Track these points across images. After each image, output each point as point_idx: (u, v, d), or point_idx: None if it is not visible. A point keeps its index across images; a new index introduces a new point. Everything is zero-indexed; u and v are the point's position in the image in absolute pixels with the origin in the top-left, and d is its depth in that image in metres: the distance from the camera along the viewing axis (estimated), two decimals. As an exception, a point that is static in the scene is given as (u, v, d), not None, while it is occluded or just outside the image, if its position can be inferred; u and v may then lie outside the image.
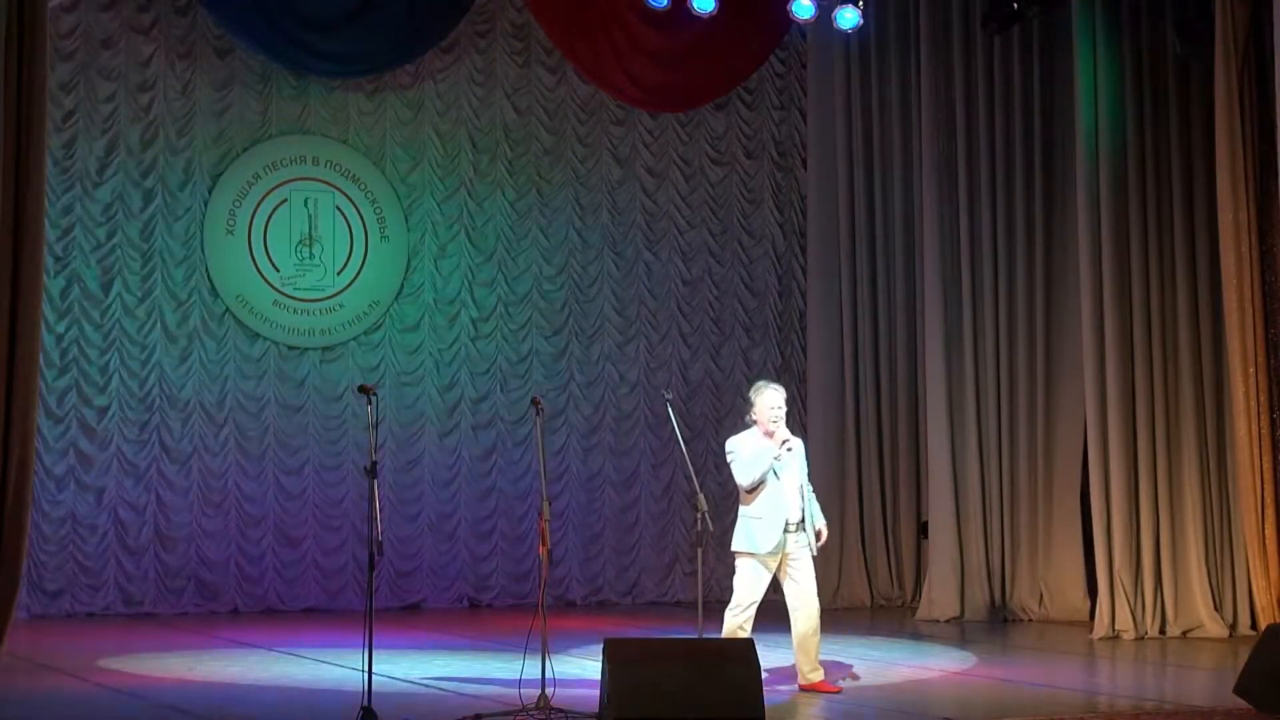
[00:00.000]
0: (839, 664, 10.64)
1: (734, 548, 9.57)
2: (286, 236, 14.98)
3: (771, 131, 16.52)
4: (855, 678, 10.15)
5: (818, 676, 9.55)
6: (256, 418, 14.70)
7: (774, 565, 9.48)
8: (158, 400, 14.41)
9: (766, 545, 9.42)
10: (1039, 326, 14.30)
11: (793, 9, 13.81)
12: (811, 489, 9.76)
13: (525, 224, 15.65)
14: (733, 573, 9.63)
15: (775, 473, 9.46)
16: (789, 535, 9.47)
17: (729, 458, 9.62)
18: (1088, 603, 13.51)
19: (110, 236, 14.34)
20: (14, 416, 9.82)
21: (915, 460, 15.35)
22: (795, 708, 9.09)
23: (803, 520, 9.52)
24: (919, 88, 14.88)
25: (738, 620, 9.41)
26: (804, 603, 9.53)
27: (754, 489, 9.48)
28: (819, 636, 9.59)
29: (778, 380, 15.91)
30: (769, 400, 9.58)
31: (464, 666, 10.72)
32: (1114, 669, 11.18)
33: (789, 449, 9.50)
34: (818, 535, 9.62)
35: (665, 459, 15.80)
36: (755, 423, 9.60)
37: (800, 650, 9.55)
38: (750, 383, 10.47)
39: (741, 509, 9.55)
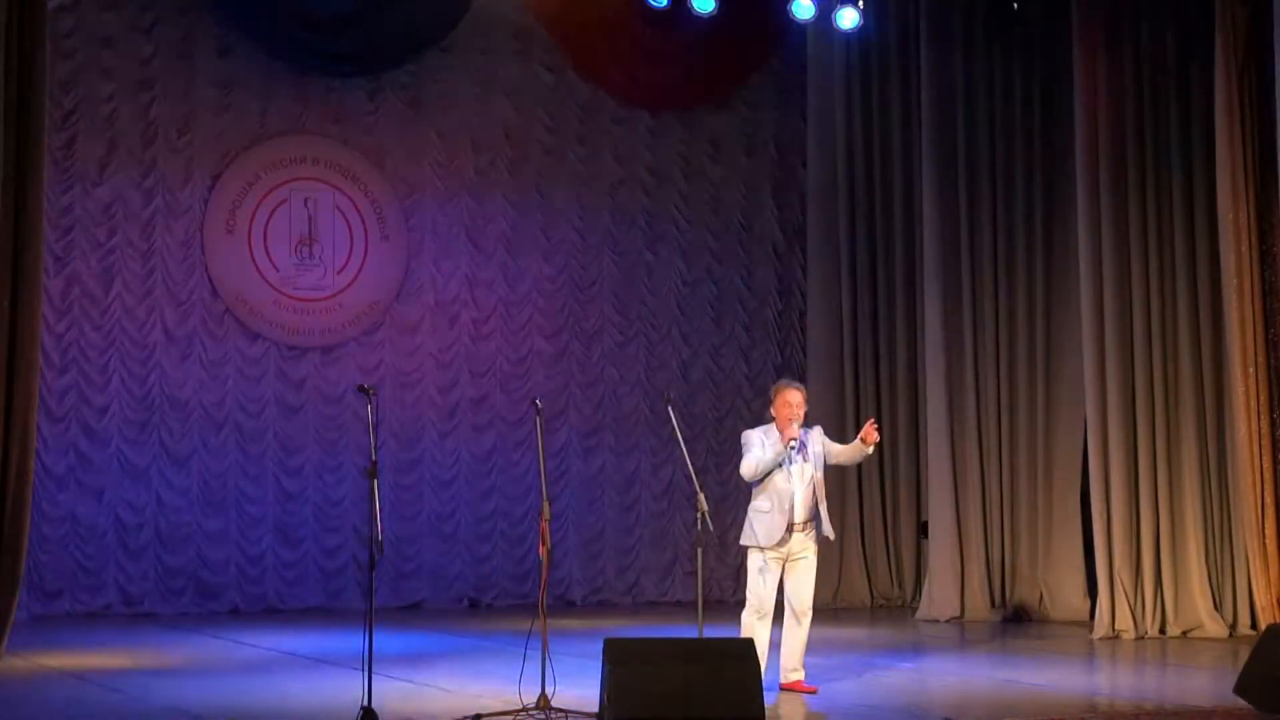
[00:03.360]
0: (834, 666, 10.66)
1: (741, 542, 9.62)
2: (286, 236, 14.99)
3: (771, 131, 16.52)
4: (857, 677, 10.17)
5: (798, 676, 9.55)
6: (256, 418, 14.70)
7: (780, 561, 9.47)
8: (158, 400, 14.41)
9: (770, 539, 9.41)
10: (1039, 327, 14.31)
11: (793, 9, 13.82)
12: (838, 447, 9.75)
13: (525, 224, 15.65)
14: (733, 572, 9.63)
15: (786, 468, 9.45)
16: (795, 534, 9.47)
17: (743, 449, 9.66)
18: (1088, 603, 13.52)
19: (110, 236, 14.34)
20: (14, 416, 9.83)
21: (915, 460, 15.36)
22: (795, 708, 9.09)
23: (809, 521, 9.51)
24: (919, 88, 14.88)
25: (757, 623, 9.40)
26: (799, 602, 9.54)
27: (758, 482, 9.49)
28: (806, 638, 9.59)
29: (777, 379, 16.10)
30: (785, 398, 9.58)
31: (464, 666, 10.72)
32: (1114, 669, 11.17)
33: (793, 446, 9.48)
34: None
35: (665, 459, 15.80)
36: (773, 418, 9.64)
37: (786, 648, 9.54)
38: (752, 382, 10.60)
39: (750, 504, 9.58)
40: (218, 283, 14.67)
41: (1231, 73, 12.15)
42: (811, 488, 9.53)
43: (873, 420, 9.76)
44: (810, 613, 9.60)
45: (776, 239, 16.50)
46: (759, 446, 9.51)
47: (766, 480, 9.47)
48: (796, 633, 9.55)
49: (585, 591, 15.58)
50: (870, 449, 9.70)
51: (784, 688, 9.45)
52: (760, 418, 9.76)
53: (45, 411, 13.62)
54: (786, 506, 9.44)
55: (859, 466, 15.45)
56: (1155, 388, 12.86)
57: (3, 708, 8.94)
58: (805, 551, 9.52)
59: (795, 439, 9.46)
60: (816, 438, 9.66)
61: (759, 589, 9.45)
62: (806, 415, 9.64)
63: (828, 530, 9.63)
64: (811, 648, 11.01)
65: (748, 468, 9.53)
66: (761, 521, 9.45)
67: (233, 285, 14.73)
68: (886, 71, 15.61)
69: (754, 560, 9.51)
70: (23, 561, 10.06)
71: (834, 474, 15.24)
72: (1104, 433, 12.84)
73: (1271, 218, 12.28)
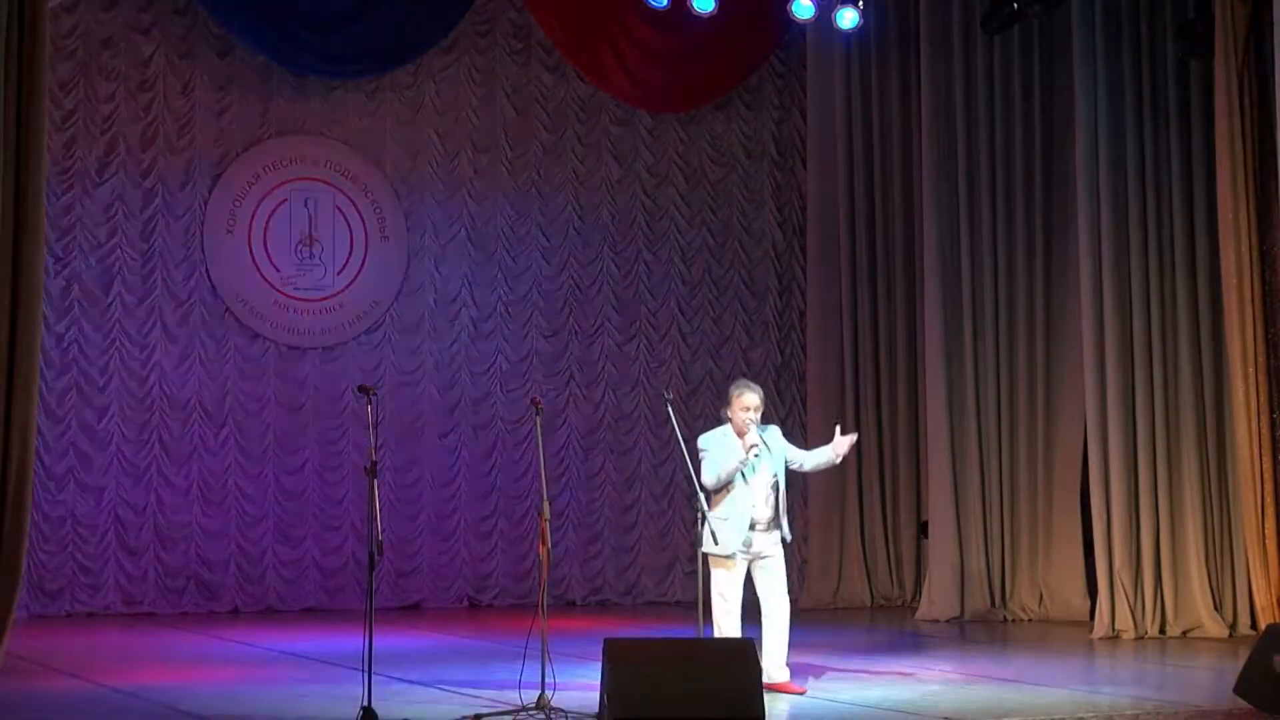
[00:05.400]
0: (834, 666, 10.67)
1: (703, 549, 9.37)
2: (286, 236, 14.99)
3: (771, 131, 16.52)
4: (817, 676, 10.18)
5: (783, 676, 9.53)
6: (256, 418, 14.70)
7: (743, 566, 9.46)
8: (158, 400, 14.41)
9: (729, 546, 9.38)
10: (1039, 326, 14.31)
11: (793, 9, 13.81)
12: (805, 454, 9.74)
13: (525, 224, 15.65)
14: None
15: (744, 476, 9.44)
16: (757, 534, 9.45)
17: (700, 455, 9.57)
18: (1088, 603, 13.52)
19: (110, 236, 14.35)
20: (14, 416, 9.81)
21: (915, 460, 15.36)
22: (795, 709, 9.09)
23: (774, 520, 9.50)
24: (919, 88, 14.88)
25: (725, 626, 9.40)
26: (775, 602, 9.52)
27: (719, 490, 9.46)
28: (787, 636, 9.57)
29: (777, 380, 16.21)
30: (745, 401, 9.53)
31: (464, 666, 10.72)
32: (1114, 669, 11.17)
33: (755, 454, 9.46)
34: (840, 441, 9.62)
35: (665, 459, 15.80)
36: (729, 420, 9.59)
37: (768, 649, 9.52)
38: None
39: (710, 511, 9.47)
40: (218, 283, 14.67)
41: (1231, 73, 12.14)
42: (774, 488, 9.51)
43: (853, 436, 9.73)
44: (788, 606, 9.57)
45: (776, 239, 16.50)
46: (719, 452, 9.47)
47: (726, 487, 9.45)
48: (777, 631, 9.51)
49: (585, 591, 15.58)
50: (839, 460, 9.69)
51: (769, 688, 9.40)
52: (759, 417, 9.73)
53: (45, 411, 13.63)
54: (746, 512, 9.42)
55: (859, 466, 15.48)
56: (1155, 388, 12.85)
57: (3, 708, 8.94)
58: (770, 551, 9.50)
59: (755, 446, 9.44)
60: (775, 437, 9.63)
61: (727, 597, 9.42)
62: (776, 416, 9.63)
63: (785, 533, 9.60)
64: (811, 648, 11.05)
65: (710, 477, 9.45)
66: (721, 529, 9.38)
67: (233, 285, 14.73)
68: (886, 71, 15.61)
69: (716, 567, 9.47)
70: (23, 561, 10.02)
71: (834, 474, 15.27)
72: (1104, 433, 12.84)
73: (1271, 218, 12.28)
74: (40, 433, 12.78)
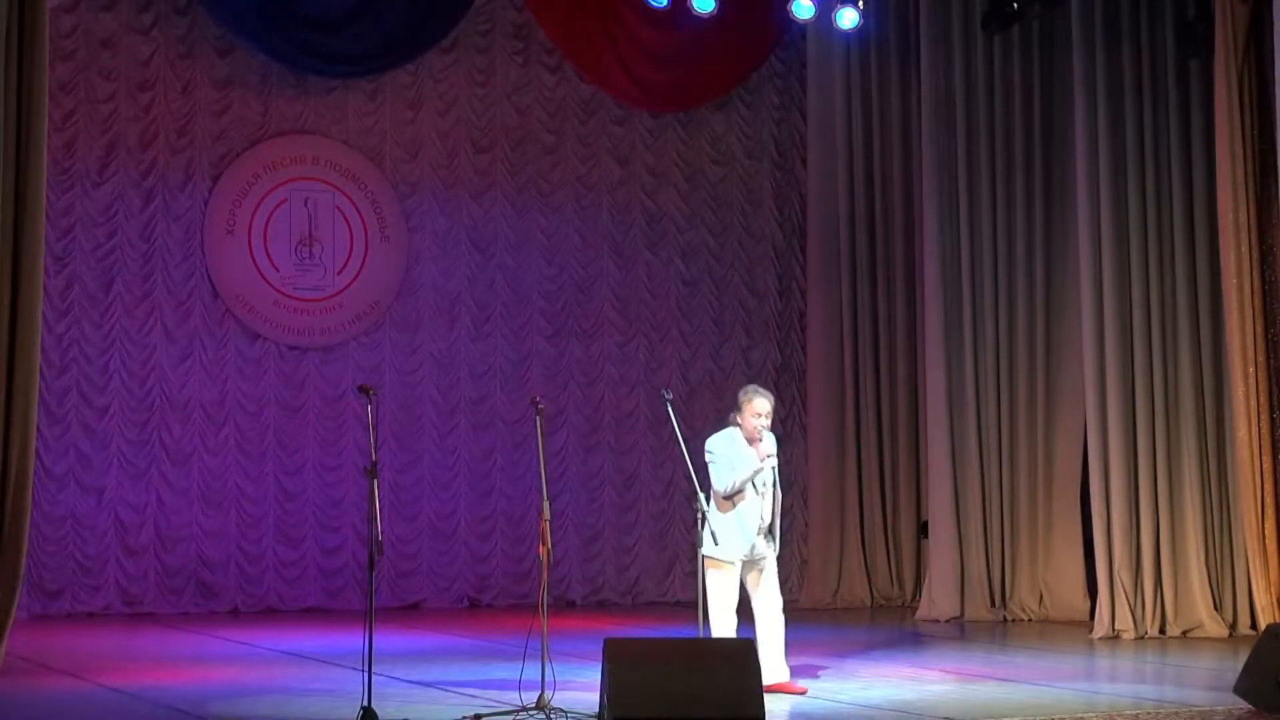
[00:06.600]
0: (833, 666, 10.66)
1: (704, 552, 9.27)
2: (286, 236, 14.99)
3: (771, 131, 16.52)
4: (815, 676, 10.17)
5: (783, 676, 9.52)
6: (256, 418, 14.70)
7: (739, 568, 9.44)
8: (158, 400, 14.41)
9: (737, 553, 9.36)
10: (1039, 326, 14.31)
11: (793, 9, 13.83)
12: (779, 489, 9.68)
13: (525, 224, 15.65)
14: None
15: (754, 486, 9.42)
16: (759, 540, 9.44)
17: (708, 458, 9.50)
18: (1088, 603, 13.52)
19: (110, 236, 14.34)
20: (14, 416, 9.81)
21: (915, 460, 15.36)
22: (796, 709, 9.09)
23: (773, 524, 9.49)
24: (919, 88, 14.88)
25: (722, 628, 9.38)
26: (769, 602, 9.50)
27: (730, 496, 9.43)
28: (783, 634, 9.56)
29: (778, 380, 16.20)
30: (757, 407, 9.47)
31: (464, 666, 10.72)
32: (1114, 669, 11.17)
33: (772, 463, 9.45)
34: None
35: (665, 459, 15.80)
36: (738, 424, 9.54)
37: (766, 649, 9.48)
38: (752, 382, 10.66)
39: (712, 513, 9.39)
40: (218, 283, 14.66)
41: (1231, 72, 12.15)
42: (773, 493, 9.49)
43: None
44: (780, 604, 9.55)
45: (776, 239, 16.50)
46: (728, 458, 9.42)
47: (738, 493, 9.42)
48: (775, 633, 9.49)
49: (585, 591, 15.58)
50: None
51: (769, 688, 9.37)
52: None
53: (45, 411, 13.61)
54: (754, 521, 9.41)
55: (859, 466, 15.49)
56: (1155, 387, 12.86)
57: (3, 708, 8.94)
58: (767, 555, 9.49)
59: (772, 456, 9.41)
60: (772, 444, 9.59)
61: (726, 599, 9.39)
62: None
63: (776, 540, 9.58)
64: (811, 648, 11.05)
65: (725, 483, 9.38)
66: (727, 533, 9.35)
67: (233, 285, 14.73)
68: (886, 71, 15.62)
69: (716, 571, 9.40)
70: (23, 561, 10.03)
71: (834, 474, 15.35)
72: (1104, 432, 12.84)
73: (1271, 217, 12.29)
74: (40, 433, 12.77)
